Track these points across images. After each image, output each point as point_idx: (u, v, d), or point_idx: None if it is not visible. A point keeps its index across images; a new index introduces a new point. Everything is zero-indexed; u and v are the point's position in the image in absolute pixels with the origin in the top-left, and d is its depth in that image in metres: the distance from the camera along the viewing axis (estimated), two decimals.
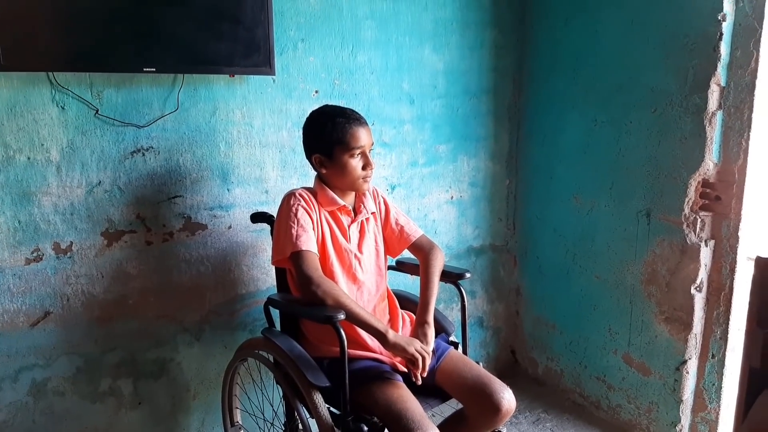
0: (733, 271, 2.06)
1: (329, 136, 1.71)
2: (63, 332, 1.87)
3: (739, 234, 2.02)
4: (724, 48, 1.96)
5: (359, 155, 1.72)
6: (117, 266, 1.93)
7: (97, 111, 1.82)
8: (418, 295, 1.84)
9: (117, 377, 1.98)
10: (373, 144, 1.77)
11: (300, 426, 1.65)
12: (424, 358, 1.60)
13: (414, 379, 1.62)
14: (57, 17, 1.66)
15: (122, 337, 1.97)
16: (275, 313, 1.84)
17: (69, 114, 1.79)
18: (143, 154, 1.91)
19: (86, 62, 1.74)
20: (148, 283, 1.98)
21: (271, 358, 1.76)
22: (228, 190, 2.08)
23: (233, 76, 2.00)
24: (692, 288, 2.14)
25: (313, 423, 1.59)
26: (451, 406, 1.77)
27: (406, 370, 1.67)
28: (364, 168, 1.73)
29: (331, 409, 1.61)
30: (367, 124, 1.75)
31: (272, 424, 2.03)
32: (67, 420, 1.91)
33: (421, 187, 2.54)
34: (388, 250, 1.92)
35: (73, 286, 1.87)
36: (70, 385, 1.90)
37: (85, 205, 1.85)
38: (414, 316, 1.84)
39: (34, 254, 1.80)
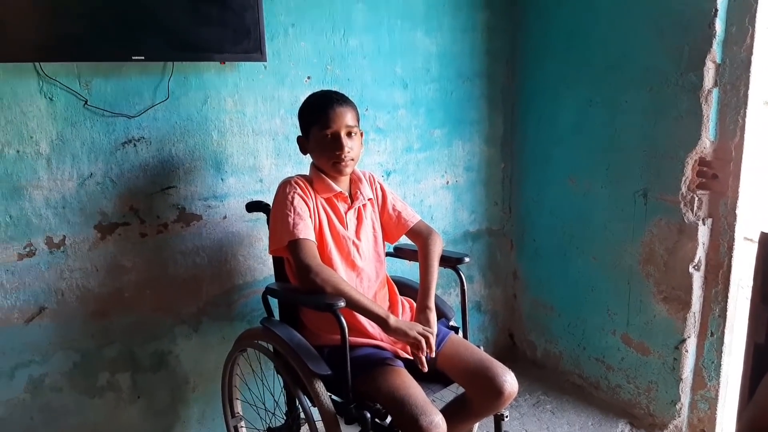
0: (731, 249, 2.06)
1: (307, 116, 1.74)
2: (58, 327, 1.84)
3: (737, 212, 2.02)
4: (719, 24, 1.94)
5: (331, 136, 1.69)
6: (111, 259, 1.90)
7: (86, 102, 1.78)
8: (417, 281, 1.82)
9: (115, 371, 1.96)
10: (353, 127, 1.71)
11: (302, 415, 1.64)
12: (428, 339, 1.59)
13: (420, 366, 1.60)
14: (42, 5, 1.62)
15: (119, 330, 1.94)
16: (274, 303, 1.82)
17: (57, 105, 1.75)
18: (134, 145, 1.88)
19: (73, 51, 1.69)
20: (144, 276, 1.96)
21: (271, 348, 1.74)
22: (222, 179, 2.05)
23: (224, 63, 1.96)
24: (690, 267, 2.13)
25: (315, 411, 1.58)
26: (452, 391, 1.76)
27: (409, 356, 1.66)
28: (335, 150, 1.69)
29: (333, 397, 1.60)
30: (347, 105, 1.71)
31: (273, 413, 2.02)
32: (66, 416, 1.89)
33: (417, 173, 2.52)
34: (386, 237, 1.90)
35: (67, 281, 1.84)
36: (68, 381, 1.88)
37: (77, 198, 1.82)
38: (413, 302, 1.83)
39: (27, 249, 1.77)
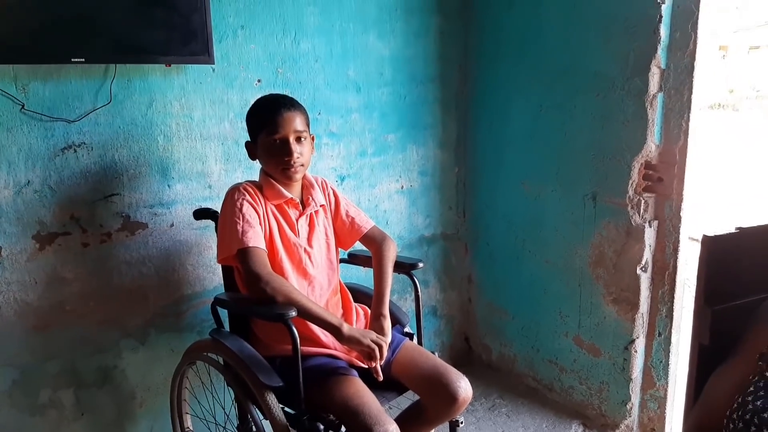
0: (676, 250, 2.11)
1: (254, 121, 1.71)
2: None
3: (682, 214, 2.07)
4: (664, 30, 1.99)
5: (280, 141, 1.65)
6: (51, 271, 1.82)
7: (23, 106, 1.70)
8: (372, 288, 1.81)
9: (57, 388, 1.88)
10: (302, 132, 1.67)
11: (254, 428, 1.60)
12: (381, 348, 1.57)
13: (375, 375, 1.59)
14: None
15: (61, 345, 1.86)
16: (223, 313, 1.78)
17: None
18: (75, 151, 1.81)
19: (9, 53, 1.62)
20: (87, 288, 1.88)
21: (221, 360, 1.70)
22: (168, 186, 1.99)
23: (169, 65, 1.91)
24: (638, 268, 2.18)
25: (267, 424, 1.54)
26: (408, 398, 1.75)
27: (362, 365, 1.64)
28: (284, 156, 1.66)
29: (286, 409, 1.56)
30: (296, 110, 1.67)
31: (224, 427, 1.97)
32: None
33: (371, 178, 2.50)
34: (340, 243, 1.88)
35: (4, 294, 1.76)
36: (6, 399, 1.79)
37: (14, 206, 1.74)
38: (368, 309, 1.82)
39: None
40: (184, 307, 2.08)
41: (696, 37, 1.94)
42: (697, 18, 1.93)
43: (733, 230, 1.23)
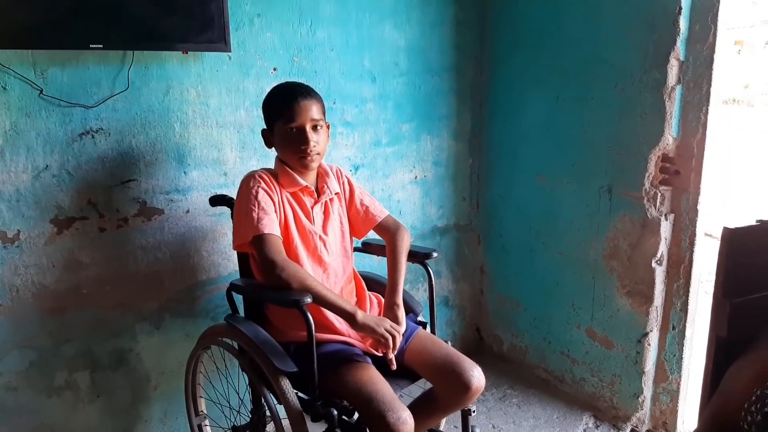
0: (692, 244, 2.10)
1: (270, 110, 1.71)
2: (13, 325, 1.78)
3: (698, 207, 2.05)
4: (683, 22, 1.97)
5: (296, 130, 1.66)
6: (69, 255, 1.84)
7: (41, 91, 1.72)
8: (385, 277, 1.81)
9: (73, 370, 1.90)
10: (318, 120, 1.67)
11: (267, 413, 1.62)
12: (394, 338, 1.58)
13: (389, 364, 1.60)
14: None
15: (77, 328, 1.89)
16: (238, 299, 1.79)
17: (11, 95, 1.68)
18: (93, 136, 1.82)
19: (28, 39, 1.63)
20: (103, 272, 1.90)
21: (236, 345, 1.71)
22: (185, 172, 2.00)
23: (186, 53, 1.91)
24: (653, 261, 2.17)
25: (281, 409, 1.55)
26: (420, 387, 1.76)
27: (376, 352, 1.65)
28: (300, 144, 1.66)
29: (300, 394, 1.57)
30: (312, 98, 1.67)
31: (238, 411, 1.99)
32: (22, 416, 1.82)
33: (385, 167, 2.50)
34: (354, 232, 1.88)
35: (22, 277, 1.78)
36: (24, 380, 1.82)
37: (32, 191, 1.76)
38: (381, 298, 1.82)
39: None
40: (199, 293, 2.10)
41: (716, 29, 1.92)
42: (717, 10, 1.90)
43: (753, 223, 1.22)
